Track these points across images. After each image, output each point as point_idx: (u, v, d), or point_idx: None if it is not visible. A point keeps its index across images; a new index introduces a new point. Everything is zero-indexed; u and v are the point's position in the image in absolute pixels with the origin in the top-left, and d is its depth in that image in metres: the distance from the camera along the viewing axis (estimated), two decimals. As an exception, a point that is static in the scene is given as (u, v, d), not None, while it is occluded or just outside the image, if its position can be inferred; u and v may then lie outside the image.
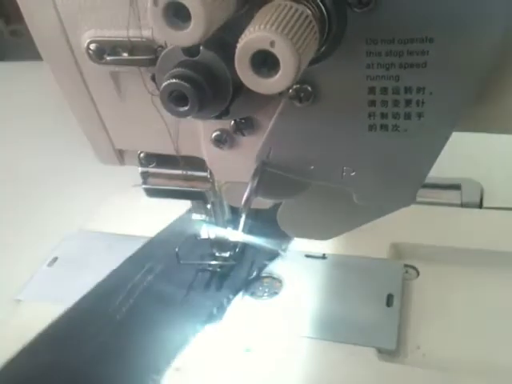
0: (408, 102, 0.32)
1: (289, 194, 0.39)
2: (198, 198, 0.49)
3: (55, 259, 0.66)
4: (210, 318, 0.54)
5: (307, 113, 0.34)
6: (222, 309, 0.55)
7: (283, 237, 0.62)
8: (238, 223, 0.59)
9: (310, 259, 0.60)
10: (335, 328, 0.52)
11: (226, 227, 0.57)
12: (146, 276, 0.58)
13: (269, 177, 0.38)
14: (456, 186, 0.68)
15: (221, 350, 0.51)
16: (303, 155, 0.37)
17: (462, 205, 0.66)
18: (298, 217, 0.44)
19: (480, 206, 0.66)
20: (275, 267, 0.60)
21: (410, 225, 0.61)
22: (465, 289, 0.55)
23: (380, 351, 0.49)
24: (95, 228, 0.71)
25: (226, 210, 0.55)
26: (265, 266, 0.61)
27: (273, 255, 0.62)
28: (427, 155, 0.34)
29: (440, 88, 0.31)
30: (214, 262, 0.58)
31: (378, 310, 0.53)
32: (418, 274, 0.58)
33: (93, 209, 0.75)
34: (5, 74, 1.01)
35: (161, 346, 0.51)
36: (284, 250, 0.62)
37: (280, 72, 0.24)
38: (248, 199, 0.37)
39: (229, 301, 0.56)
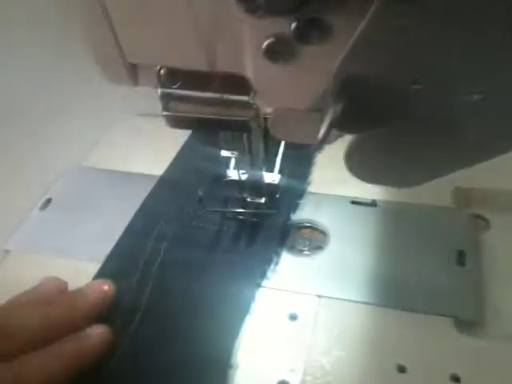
0: None
1: (376, 125, 0.28)
2: (234, 129, 0.38)
3: (48, 201, 0.56)
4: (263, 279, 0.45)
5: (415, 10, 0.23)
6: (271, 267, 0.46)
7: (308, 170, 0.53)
8: (274, 162, 0.49)
9: (357, 206, 0.50)
10: (397, 292, 0.43)
11: (261, 167, 0.46)
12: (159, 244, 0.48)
13: (351, 102, 0.26)
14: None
15: (264, 317, 0.42)
16: (405, 70, 0.25)
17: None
18: (376, 156, 0.33)
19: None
20: (315, 215, 0.50)
21: (477, 166, 0.50)
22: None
23: (458, 321, 0.40)
24: (95, 164, 0.60)
25: (265, 145, 0.44)
26: (297, 207, 0.51)
27: (301, 193, 0.52)
28: None
29: None
30: (245, 211, 0.48)
31: (448, 270, 0.44)
32: (488, 225, 0.48)
33: (92, 142, 0.63)
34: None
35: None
36: (309, 183, 0.53)
37: None
38: (327, 132, 0.26)
39: (278, 255, 0.47)
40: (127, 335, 0.41)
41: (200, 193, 0.47)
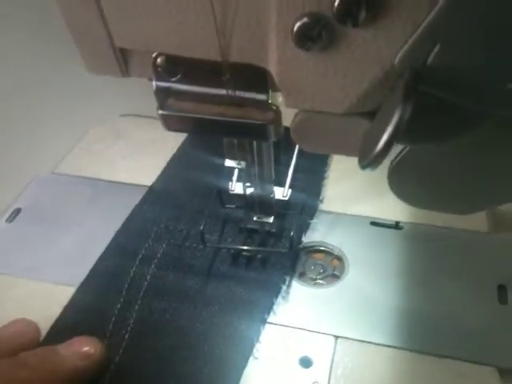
0: None
1: (448, 136, 0.22)
2: (246, 136, 0.31)
3: (17, 211, 0.48)
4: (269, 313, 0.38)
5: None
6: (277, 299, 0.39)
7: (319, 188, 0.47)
8: (284, 174, 0.42)
9: (377, 228, 0.43)
10: (427, 335, 0.36)
11: (271, 180, 0.39)
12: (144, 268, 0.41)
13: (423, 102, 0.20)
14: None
15: (270, 362, 0.35)
16: (499, 60, 0.19)
17: None
18: (429, 176, 0.26)
19: None
20: (329, 237, 0.43)
21: None
22: None
23: (501, 372, 0.34)
24: (70, 171, 0.53)
25: (275, 154, 0.37)
26: (308, 227, 0.43)
27: (312, 214, 0.45)
28: None
29: None
30: (249, 248, 0.41)
31: (487, 308, 0.37)
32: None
33: (68, 146, 0.56)
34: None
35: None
36: (321, 201, 0.46)
37: None
38: (389, 143, 0.19)
39: (287, 285, 0.40)
40: (107, 377, 0.34)
41: (201, 227, 0.40)
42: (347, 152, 0.28)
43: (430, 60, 0.19)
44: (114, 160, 0.53)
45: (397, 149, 0.26)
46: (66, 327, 0.37)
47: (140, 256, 0.41)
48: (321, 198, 0.46)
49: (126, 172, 0.51)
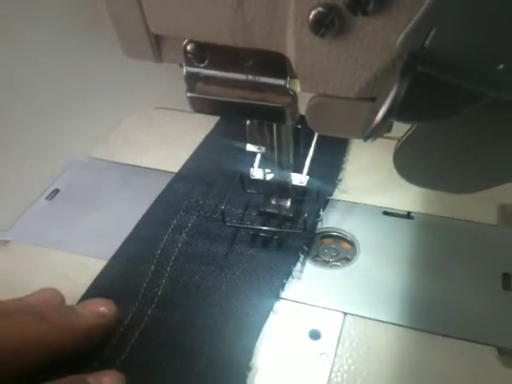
0: None
1: (443, 115, 0.24)
2: (265, 117, 0.33)
3: (56, 192, 0.52)
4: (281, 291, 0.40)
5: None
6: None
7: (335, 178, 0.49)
8: (303, 161, 0.45)
9: (390, 217, 0.46)
10: (432, 315, 0.38)
11: (290, 166, 0.41)
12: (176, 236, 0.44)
13: (420, 80, 0.22)
14: None
15: (284, 336, 0.38)
16: (489, 43, 0.21)
17: None
18: (432, 156, 0.28)
19: None
20: (343, 223, 0.45)
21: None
22: None
23: (501, 352, 0.36)
24: (106, 156, 0.56)
25: (295, 141, 0.40)
26: (323, 213, 0.46)
27: (327, 201, 0.48)
28: None
29: None
30: (267, 228, 0.44)
31: (491, 294, 0.39)
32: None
33: (105, 133, 0.59)
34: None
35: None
36: (340, 181, 0.49)
37: None
38: (387, 116, 0.22)
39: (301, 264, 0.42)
40: (141, 325, 0.37)
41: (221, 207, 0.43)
42: (356, 135, 0.30)
43: (427, 43, 0.22)
44: (146, 148, 0.56)
45: (404, 129, 0.28)
46: (101, 287, 0.40)
47: (172, 226, 0.45)
48: (337, 187, 0.48)
49: (157, 159, 0.54)
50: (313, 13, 0.25)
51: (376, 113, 0.22)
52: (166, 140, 0.57)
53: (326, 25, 0.25)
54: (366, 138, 0.23)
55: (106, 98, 0.59)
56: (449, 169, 0.29)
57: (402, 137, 0.28)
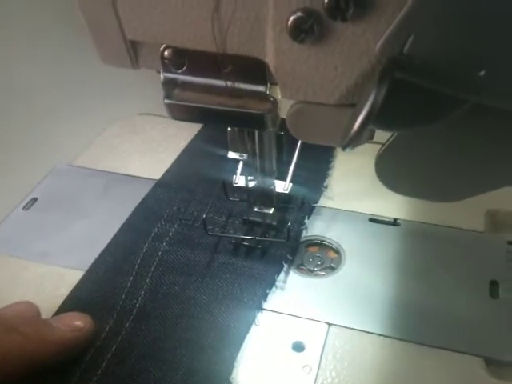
0: None
1: (423, 121, 0.23)
2: (245, 125, 0.33)
3: (34, 200, 0.51)
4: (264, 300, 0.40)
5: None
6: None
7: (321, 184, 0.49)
8: (286, 168, 0.44)
9: (376, 225, 0.45)
10: (418, 325, 0.37)
11: (272, 174, 0.41)
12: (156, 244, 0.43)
13: (398, 87, 0.21)
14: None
15: (266, 348, 0.37)
16: (470, 49, 0.20)
17: None
18: (413, 164, 0.28)
19: None
20: (328, 231, 0.45)
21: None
22: None
23: (488, 362, 0.35)
24: (87, 164, 0.55)
25: (278, 148, 0.39)
26: (304, 222, 0.45)
27: (312, 208, 0.47)
28: None
29: None
30: (249, 238, 0.43)
31: (479, 302, 0.38)
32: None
33: (86, 140, 0.58)
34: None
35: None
36: (326, 188, 0.48)
37: None
38: (364, 124, 0.21)
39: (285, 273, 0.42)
40: (118, 338, 0.36)
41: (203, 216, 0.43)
42: (338, 143, 0.29)
43: (406, 49, 0.21)
44: (129, 154, 0.55)
45: (385, 137, 0.28)
46: (78, 299, 0.39)
47: (153, 234, 0.44)
48: (323, 193, 0.48)
49: (139, 166, 0.54)
50: (292, 18, 0.25)
51: (354, 119, 0.22)
52: (148, 146, 0.56)
53: (306, 30, 0.25)
54: (344, 147, 0.22)
55: (89, 104, 0.58)
56: (432, 176, 0.28)
57: (384, 144, 0.27)
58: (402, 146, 0.27)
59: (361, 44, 0.25)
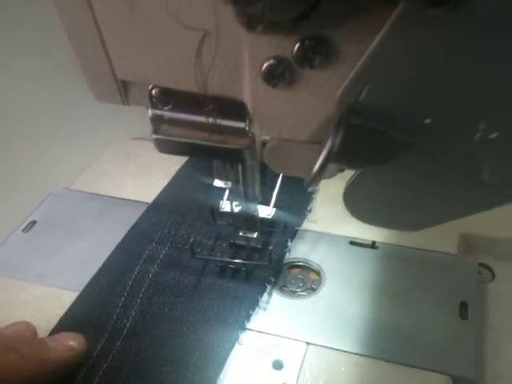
0: None
1: (378, 162, 0.26)
2: (226, 158, 0.35)
3: (33, 223, 0.53)
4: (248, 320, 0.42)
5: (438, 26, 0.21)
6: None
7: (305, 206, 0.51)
8: (270, 194, 0.46)
9: (355, 247, 0.47)
10: (392, 344, 0.40)
11: (256, 199, 0.43)
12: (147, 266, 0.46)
13: (354, 133, 0.24)
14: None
15: (247, 366, 0.39)
16: (417, 100, 0.23)
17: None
18: (378, 196, 0.30)
19: None
20: (310, 254, 0.47)
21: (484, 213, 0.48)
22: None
23: (455, 380, 0.37)
24: (84, 188, 0.58)
25: (261, 176, 0.41)
26: (287, 245, 0.48)
27: (296, 230, 0.49)
28: None
29: None
30: (235, 261, 0.45)
31: (448, 322, 0.40)
32: (493, 275, 0.45)
33: (83, 165, 0.61)
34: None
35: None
36: (309, 211, 0.51)
37: None
38: (324, 165, 0.23)
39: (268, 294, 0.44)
40: (109, 357, 0.39)
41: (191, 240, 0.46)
42: (307, 174, 0.32)
43: (361, 97, 0.24)
44: (122, 180, 0.58)
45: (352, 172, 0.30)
46: (73, 319, 0.41)
47: (144, 256, 0.46)
48: (305, 218, 0.50)
49: (133, 190, 0.56)
50: (265, 64, 0.27)
51: (316, 161, 0.24)
52: (141, 170, 0.59)
53: (278, 76, 0.27)
54: (307, 185, 0.25)
55: (84, 130, 0.61)
56: (396, 208, 0.31)
57: (350, 179, 0.30)
58: (365, 181, 0.29)
59: (326, 89, 0.27)
